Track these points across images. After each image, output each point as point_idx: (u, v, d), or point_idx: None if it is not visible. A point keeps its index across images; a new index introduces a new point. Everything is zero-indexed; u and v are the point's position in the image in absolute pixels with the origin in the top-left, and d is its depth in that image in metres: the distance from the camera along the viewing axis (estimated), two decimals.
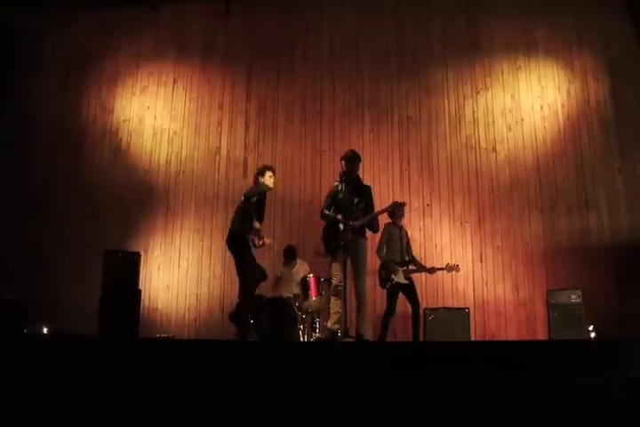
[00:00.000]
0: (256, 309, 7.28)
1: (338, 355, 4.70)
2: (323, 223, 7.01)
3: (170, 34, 10.85)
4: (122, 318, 7.47)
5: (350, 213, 6.58)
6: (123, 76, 10.82)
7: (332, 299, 6.64)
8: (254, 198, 7.14)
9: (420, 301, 7.87)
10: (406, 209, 8.19)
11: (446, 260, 8.97)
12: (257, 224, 7.07)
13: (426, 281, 8.79)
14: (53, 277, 9.63)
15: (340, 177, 6.77)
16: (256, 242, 7.13)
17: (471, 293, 9.10)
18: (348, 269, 6.47)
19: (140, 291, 8.07)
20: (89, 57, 10.88)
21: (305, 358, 4.67)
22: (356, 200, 6.70)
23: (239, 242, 7.09)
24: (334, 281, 6.57)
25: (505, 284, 9.11)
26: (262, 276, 7.44)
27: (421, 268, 8.05)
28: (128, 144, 10.45)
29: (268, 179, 7.34)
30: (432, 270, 7.99)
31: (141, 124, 10.53)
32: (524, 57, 9.95)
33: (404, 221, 8.29)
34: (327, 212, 6.83)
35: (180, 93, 10.59)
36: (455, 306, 8.76)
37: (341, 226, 6.50)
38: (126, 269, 7.89)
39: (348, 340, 6.20)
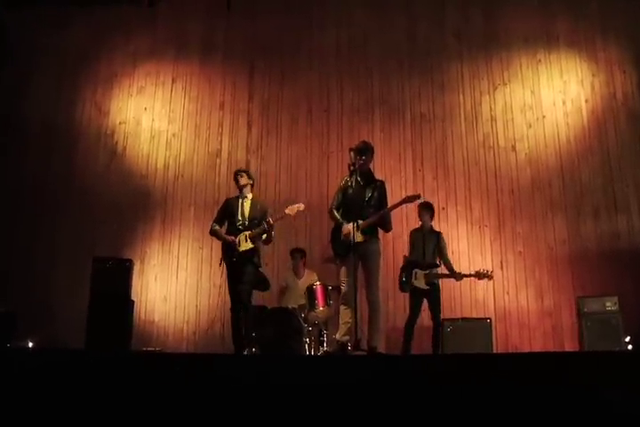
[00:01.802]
0: (257, 320, 6.69)
1: (348, 370, 4.09)
2: (331, 229, 6.37)
3: (168, 32, 10.28)
4: (111, 330, 6.89)
5: (361, 211, 5.92)
6: (119, 76, 10.24)
7: (342, 308, 5.93)
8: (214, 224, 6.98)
9: (440, 310, 7.21)
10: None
11: (464, 267, 8.36)
12: (226, 239, 6.70)
13: (442, 289, 8.08)
14: (46, 287, 8.99)
15: (350, 171, 6.08)
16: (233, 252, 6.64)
17: (491, 302, 8.46)
18: (360, 274, 5.82)
19: (132, 301, 7.45)
20: (84, 57, 10.30)
21: (311, 373, 4.05)
22: (367, 196, 6.04)
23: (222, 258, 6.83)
24: (343, 288, 5.88)
25: (528, 292, 8.47)
26: (265, 287, 7.11)
27: (450, 272, 7.38)
28: (124, 147, 9.85)
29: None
30: (459, 276, 7.31)
31: (138, 127, 9.94)
32: (544, 50, 9.37)
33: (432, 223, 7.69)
34: (336, 213, 6.18)
35: (179, 94, 10.01)
36: (474, 316, 8.09)
37: (350, 227, 5.82)
38: (117, 277, 7.30)
39: (359, 353, 5.52)
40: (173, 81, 10.07)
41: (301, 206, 6.72)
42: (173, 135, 9.80)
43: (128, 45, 10.31)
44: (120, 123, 10.00)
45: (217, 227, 6.83)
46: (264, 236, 6.71)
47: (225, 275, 6.73)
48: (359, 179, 6.05)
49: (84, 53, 10.32)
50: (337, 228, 6.11)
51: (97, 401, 3.90)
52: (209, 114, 9.82)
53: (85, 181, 9.66)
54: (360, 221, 5.84)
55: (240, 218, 6.74)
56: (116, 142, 9.89)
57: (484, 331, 7.49)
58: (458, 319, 7.77)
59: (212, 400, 3.79)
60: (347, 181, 6.17)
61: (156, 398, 3.89)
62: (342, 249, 5.92)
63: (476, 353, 5.89)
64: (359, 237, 5.77)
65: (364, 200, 5.98)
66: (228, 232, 6.72)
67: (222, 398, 3.81)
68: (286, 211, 6.73)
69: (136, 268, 9.04)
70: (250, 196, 6.95)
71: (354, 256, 5.72)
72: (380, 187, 6.15)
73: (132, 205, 9.49)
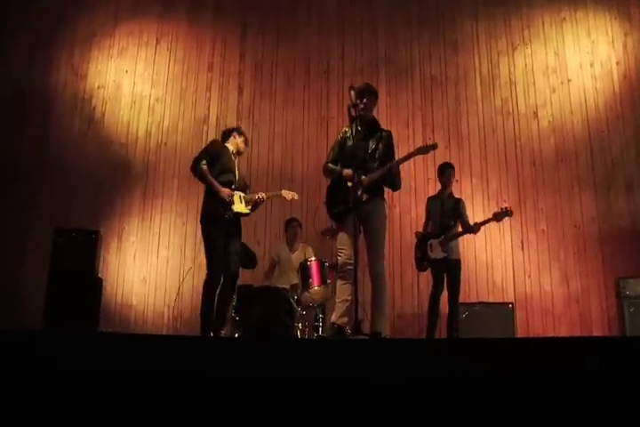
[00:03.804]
0: (241, 301, 5.76)
1: (346, 356, 3.15)
2: (327, 188, 5.37)
3: None
4: (74, 311, 5.92)
5: (364, 165, 4.89)
6: (98, 36, 9.22)
7: (338, 283, 4.86)
8: (203, 162, 5.70)
9: (459, 291, 6.28)
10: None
11: (480, 247, 7.57)
12: (220, 189, 5.57)
13: None
14: (17, 264, 8.04)
15: (350, 119, 5.01)
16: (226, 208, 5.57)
17: (511, 286, 7.54)
18: (361, 241, 4.83)
19: (99, 279, 6.48)
20: (60, 17, 9.28)
21: (300, 360, 3.12)
22: (371, 148, 5.01)
23: (201, 222, 5.65)
24: (341, 258, 4.84)
25: (552, 276, 7.54)
26: (252, 263, 6.29)
27: (465, 229, 6.43)
28: (102, 114, 8.86)
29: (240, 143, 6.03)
30: (475, 228, 6.33)
31: (118, 91, 8.96)
32: (569, 6, 8.43)
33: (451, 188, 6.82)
34: (332, 166, 5.18)
35: (164, 55, 9.02)
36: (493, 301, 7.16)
37: (350, 182, 4.81)
38: (82, 251, 6.31)
39: (359, 338, 4.52)
40: (158, 41, 9.09)
41: (296, 196, 6.07)
42: (157, 100, 8.83)
43: (109, 2, 9.33)
44: (98, 87, 9.02)
45: (206, 167, 5.64)
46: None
47: (208, 235, 5.58)
48: (360, 128, 5.03)
49: (59, 12, 9.31)
50: (333, 185, 5.11)
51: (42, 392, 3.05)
52: (196, 76, 8.84)
53: (60, 150, 8.68)
54: (363, 177, 4.84)
55: (237, 177, 5.81)
56: (94, 108, 8.91)
57: (506, 317, 6.53)
58: (474, 304, 6.82)
59: (182, 390, 2.91)
60: (345, 132, 5.16)
61: (114, 389, 3.02)
62: (340, 210, 4.89)
63: (504, 338, 4.90)
64: (362, 196, 4.78)
65: (366, 152, 4.94)
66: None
67: (193, 388, 2.92)
68: (282, 192, 6.00)
69: (113, 245, 8.23)
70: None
71: (354, 219, 4.65)
72: (385, 137, 5.10)
73: (110, 177, 8.52)
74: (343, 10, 8.72)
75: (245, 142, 6.03)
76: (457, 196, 6.92)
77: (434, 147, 5.06)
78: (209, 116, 8.64)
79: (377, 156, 4.97)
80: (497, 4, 8.47)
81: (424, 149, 5.03)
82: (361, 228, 4.81)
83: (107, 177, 8.51)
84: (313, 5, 8.84)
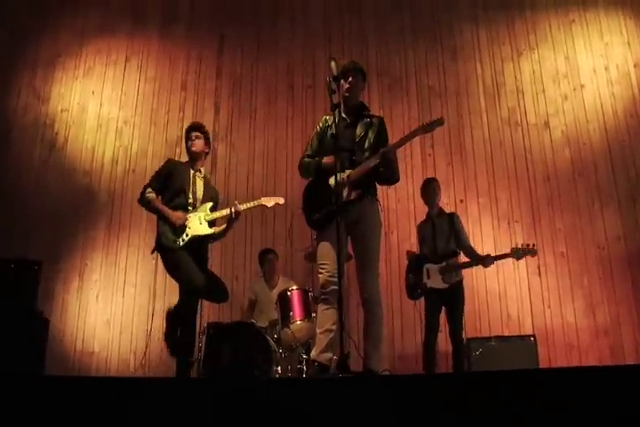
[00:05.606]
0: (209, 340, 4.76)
1: (330, 399, 2.43)
2: (304, 188, 4.41)
3: (123, 2, 8.59)
4: (9, 355, 4.89)
5: (351, 157, 3.95)
6: (63, 57, 8.48)
7: (320, 308, 3.80)
8: (149, 190, 4.99)
9: (463, 321, 5.27)
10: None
11: (491, 275, 6.60)
12: (170, 214, 4.76)
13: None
14: None
15: (332, 105, 3.92)
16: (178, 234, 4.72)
17: (529, 318, 6.61)
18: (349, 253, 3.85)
19: (43, 318, 5.49)
20: (22, 36, 8.58)
21: (274, 406, 2.41)
22: (358, 136, 4.02)
23: (157, 245, 4.83)
24: (322, 275, 3.77)
25: (575, 304, 6.62)
26: (222, 295, 4.96)
27: (472, 259, 5.46)
28: (65, 139, 8.04)
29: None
30: (487, 261, 5.36)
31: (83, 114, 8.15)
32: (578, 7, 7.79)
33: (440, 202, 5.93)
34: (308, 160, 4.21)
35: (134, 74, 8.24)
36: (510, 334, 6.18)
37: (333, 179, 3.82)
38: (20, 284, 5.31)
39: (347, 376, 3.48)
40: (127, 59, 8.33)
41: (281, 200, 5.02)
42: (125, 122, 8.01)
43: (75, 20, 8.60)
44: (62, 110, 8.22)
45: (153, 195, 4.88)
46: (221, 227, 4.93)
47: (168, 261, 4.82)
48: (345, 115, 4.10)
49: (22, 33, 8.60)
50: (312, 185, 4.13)
51: None
52: (168, 96, 8.04)
53: (18, 179, 7.87)
54: (349, 171, 3.87)
55: (190, 196, 4.91)
56: (57, 133, 8.10)
57: (528, 353, 5.48)
58: (489, 338, 5.79)
59: None
60: (326, 121, 4.22)
61: None
62: (321, 215, 3.86)
63: (524, 369, 3.87)
64: (350, 195, 3.79)
65: (353, 142, 3.98)
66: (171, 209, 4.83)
67: None
68: (262, 199, 4.99)
69: (75, 284, 7.36)
70: (203, 171, 5.19)
71: (339, 225, 3.58)
72: (377, 124, 4.14)
73: (73, 208, 7.65)
74: (330, 19, 8.00)
75: (187, 139, 5.21)
76: (465, 214, 6.11)
77: (439, 122, 4.16)
78: (182, 139, 7.74)
79: (366, 145, 4.00)
80: (497, 7, 7.77)
81: (428, 126, 4.13)
82: (348, 236, 3.82)
83: (69, 208, 7.66)
84: (297, 15, 8.12)
